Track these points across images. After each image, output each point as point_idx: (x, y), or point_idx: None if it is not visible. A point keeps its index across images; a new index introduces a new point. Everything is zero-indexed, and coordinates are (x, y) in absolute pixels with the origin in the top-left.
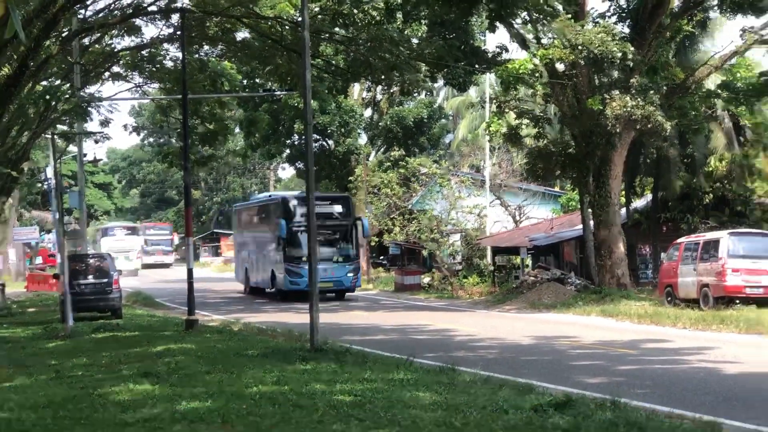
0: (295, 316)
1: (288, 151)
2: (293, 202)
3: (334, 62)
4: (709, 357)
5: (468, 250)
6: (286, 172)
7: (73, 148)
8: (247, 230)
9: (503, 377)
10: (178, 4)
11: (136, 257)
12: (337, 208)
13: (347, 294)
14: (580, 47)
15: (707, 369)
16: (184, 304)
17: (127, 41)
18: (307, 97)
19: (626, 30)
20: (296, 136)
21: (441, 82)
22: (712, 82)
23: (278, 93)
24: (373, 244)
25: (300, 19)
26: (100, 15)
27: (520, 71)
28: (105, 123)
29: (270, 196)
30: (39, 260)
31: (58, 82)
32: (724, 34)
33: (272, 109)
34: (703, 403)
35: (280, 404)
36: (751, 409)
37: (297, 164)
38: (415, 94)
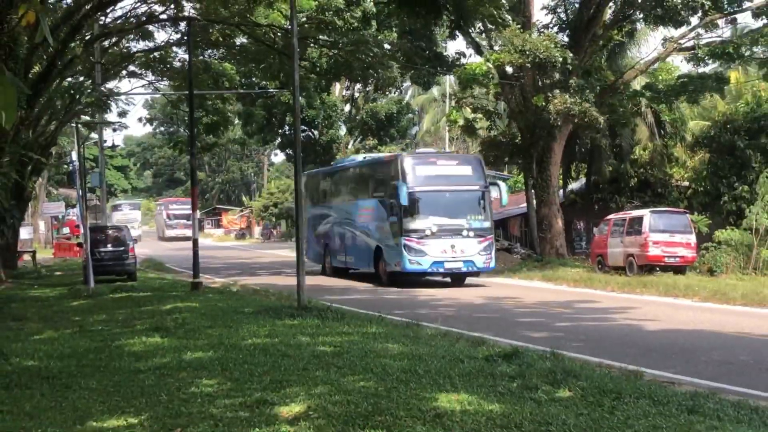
0: (285, 279)
1: (279, 139)
2: (414, 161)
3: (318, 64)
4: (633, 316)
5: None
6: (278, 157)
7: (94, 136)
8: (331, 199)
9: (460, 331)
10: (186, 14)
11: (138, 227)
12: (466, 170)
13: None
14: (527, 52)
15: (631, 326)
16: (191, 269)
17: (142, 44)
18: (296, 94)
19: (566, 39)
20: (287, 127)
21: (408, 82)
22: (638, 83)
23: (271, 91)
24: None
25: (289, 27)
26: (118, 21)
27: (476, 72)
28: (122, 114)
29: (365, 157)
30: (66, 230)
31: (81, 78)
32: (649, 43)
33: (266, 104)
34: (628, 354)
35: (271, 354)
36: (667, 359)
37: (287, 151)
38: (387, 93)
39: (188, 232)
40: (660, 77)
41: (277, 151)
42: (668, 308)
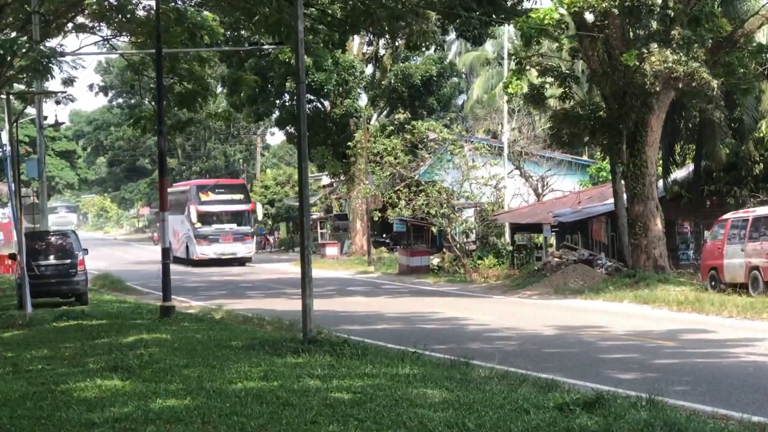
0: (286, 303)
1: (277, 113)
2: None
3: (330, 11)
4: (758, 349)
5: (483, 228)
6: (275, 137)
7: (31, 110)
8: None
9: (523, 372)
10: None
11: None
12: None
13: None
14: None
15: (757, 363)
16: (159, 289)
17: None
18: (300, 51)
19: None
20: (287, 96)
21: (453, 34)
22: (764, 35)
23: (266, 47)
24: (375, 219)
25: None
26: None
27: (544, 22)
28: (68, 82)
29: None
30: None
31: (13, 34)
32: None
33: (259, 66)
34: (752, 401)
35: (269, 402)
36: None
37: (288, 128)
38: (423, 49)
39: (240, 249)
40: None
41: (274, 130)
42: None
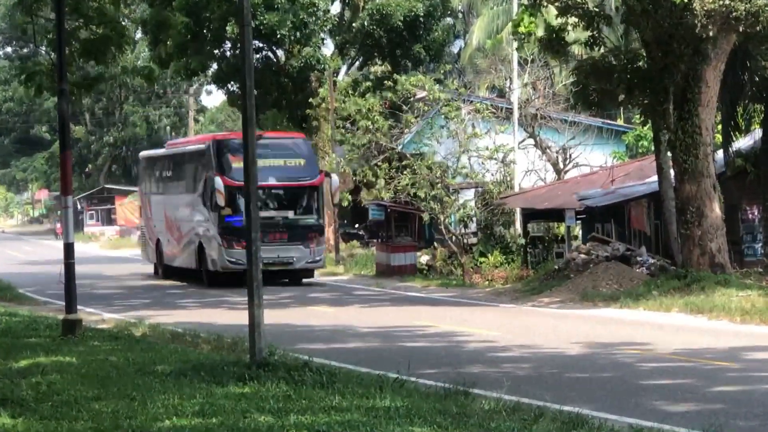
0: (228, 314)
1: (215, 66)
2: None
3: None
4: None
5: (487, 215)
6: (213, 97)
7: None
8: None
9: (540, 404)
10: None
11: None
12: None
13: (305, 280)
14: None
15: None
16: (60, 297)
17: None
18: None
19: None
20: (228, 45)
21: None
22: None
23: None
24: (345, 204)
25: None
26: None
27: None
28: None
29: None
30: None
31: None
32: None
33: (191, 5)
34: None
35: None
36: None
37: (229, 86)
38: None
39: (299, 255)
40: None
41: (212, 88)
42: None
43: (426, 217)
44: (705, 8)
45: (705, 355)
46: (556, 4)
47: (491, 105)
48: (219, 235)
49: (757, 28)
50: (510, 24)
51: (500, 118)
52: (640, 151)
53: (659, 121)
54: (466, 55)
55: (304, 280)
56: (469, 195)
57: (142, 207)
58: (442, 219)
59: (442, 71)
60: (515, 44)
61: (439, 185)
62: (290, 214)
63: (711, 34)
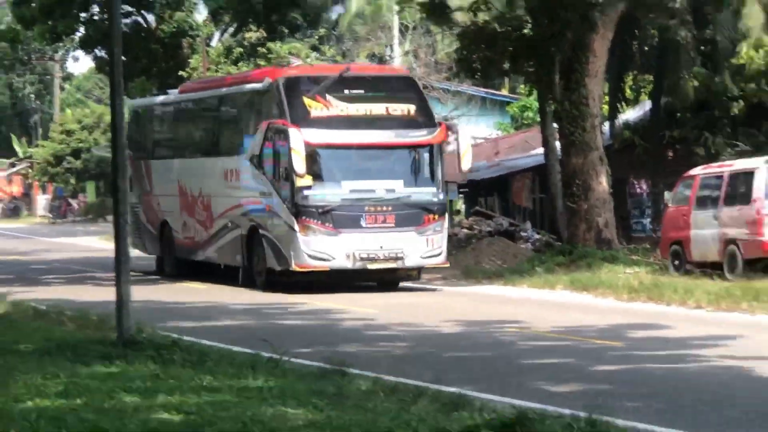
0: (94, 291)
1: (83, 31)
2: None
3: None
4: (736, 351)
5: None
6: (81, 64)
7: None
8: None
9: (419, 384)
10: None
11: None
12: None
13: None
14: None
15: (732, 369)
16: None
17: None
18: None
19: None
20: (96, 8)
21: None
22: None
23: None
24: None
25: None
26: None
27: None
28: None
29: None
30: None
31: None
32: None
33: None
34: (727, 420)
35: (70, 427)
36: None
37: (97, 51)
38: None
39: (410, 247)
40: None
41: (79, 54)
42: None
43: None
44: None
45: (589, 333)
46: None
47: None
48: (293, 217)
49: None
50: None
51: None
52: (526, 122)
53: (545, 92)
54: (345, 21)
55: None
56: None
57: (135, 176)
58: None
59: (318, 37)
60: (396, 9)
61: None
62: (398, 186)
63: (601, 1)
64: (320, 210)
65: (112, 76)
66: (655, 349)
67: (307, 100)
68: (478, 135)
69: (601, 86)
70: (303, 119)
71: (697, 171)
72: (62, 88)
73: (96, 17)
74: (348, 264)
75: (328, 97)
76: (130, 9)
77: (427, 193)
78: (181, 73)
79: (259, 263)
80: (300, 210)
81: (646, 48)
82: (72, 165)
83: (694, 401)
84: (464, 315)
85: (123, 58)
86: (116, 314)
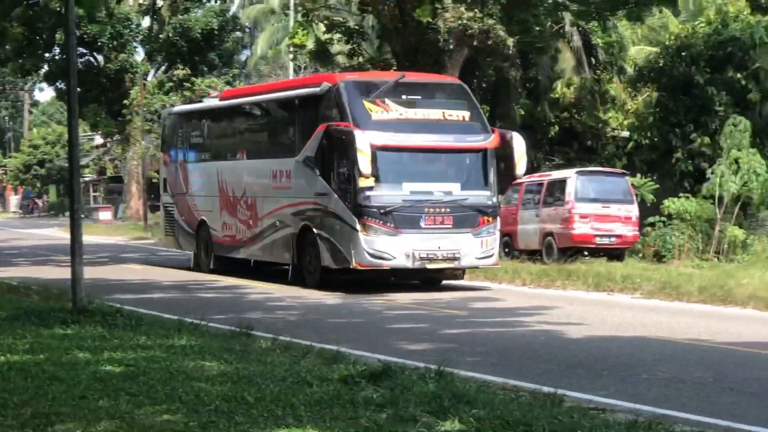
0: (54, 270)
1: (47, 67)
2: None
3: None
4: (551, 318)
5: None
6: (45, 93)
7: None
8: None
9: (307, 343)
10: None
11: None
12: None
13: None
14: None
15: (549, 332)
16: None
17: None
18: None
19: None
20: (57, 50)
21: None
22: None
23: None
24: (154, 182)
25: None
26: None
27: None
28: None
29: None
30: None
31: None
32: None
33: (27, 16)
34: (545, 372)
35: (34, 377)
36: (597, 377)
37: (58, 84)
38: (204, 1)
39: (466, 247)
40: None
41: (44, 85)
42: (600, 308)
43: None
44: (446, 26)
45: (440, 305)
46: (324, 22)
47: None
48: (354, 216)
49: (487, 43)
50: (287, 38)
51: None
52: None
53: None
54: (252, 62)
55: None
56: None
57: (169, 178)
58: None
59: (232, 74)
60: (291, 55)
61: None
62: (455, 188)
63: (450, 47)
64: (382, 210)
65: (69, 103)
66: (491, 317)
67: (367, 104)
68: None
69: None
70: (365, 122)
71: (523, 179)
72: (31, 112)
73: (57, 57)
74: (408, 263)
75: (386, 101)
76: (84, 51)
77: (482, 196)
78: (124, 101)
79: (312, 261)
80: (362, 210)
81: (484, 84)
82: (38, 172)
83: (520, 357)
84: (341, 289)
85: (78, 89)
86: (71, 288)
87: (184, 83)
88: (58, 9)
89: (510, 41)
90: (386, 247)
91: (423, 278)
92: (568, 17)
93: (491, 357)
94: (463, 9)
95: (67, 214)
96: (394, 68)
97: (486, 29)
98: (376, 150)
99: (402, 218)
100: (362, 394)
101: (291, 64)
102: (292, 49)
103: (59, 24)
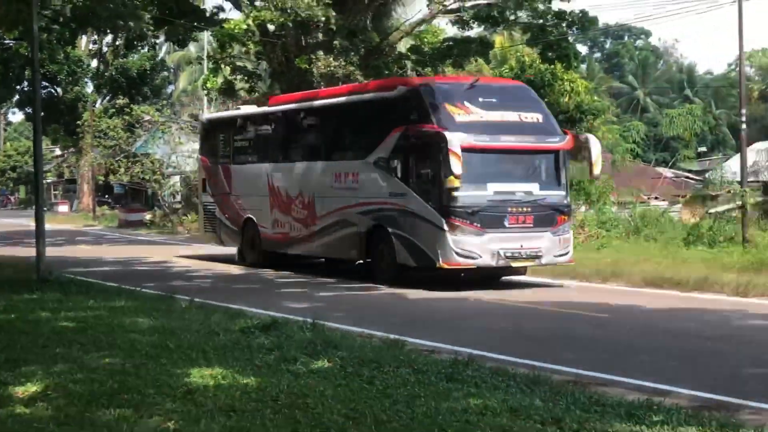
0: (24, 250)
1: (18, 96)
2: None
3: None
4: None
5: (187, 191)
6: (17, 116)
7: None
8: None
9: (216, 304)
10: None
11: None
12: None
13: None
14: (288, 11)
15: (395, 294)
16: None
17: None
18: (35, 47)
19: None
20: (26, 83)
21: (163, 38)
22: (403, 46)
23: (8, 42)
24: (100, 183)
25: None
26: None
27: (235, 31)
28: None
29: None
30: None
31: None
32: (415, 4)
33: (2, 58)
34: (392, 324)
35: (7, 331)
36: (428, 328)
37: (26, 109)
38: (139, 48)
39: (546, 246)
40: (426, 40)
41: (15, 110)
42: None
43: (150, 191)
44: (318, 72)
45: (317, 275)
46: (230, 66)
47: (191, 125)
48: (441, 216)
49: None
50: (202, 78)
51: (196, 132)
52: None
53: None
54: (176, 94)
55: (505, 278)
56: (177, 179)
57: (210, 179)
58: (159, 193)
59: (160, 104)
60: (205, 91)
61: (158, 173)
62: (534, 188)
63: (322, 87)
64: (469, 210)
65: (35, 124)
66: (354, 282)
67: (449, 107)
68: None
69: None
70: (450, 124)
71: None
72: (6, 129)
73: (25, 89)
74: (492, 262)
75: (465, 103)
76: (46, 84)
77: (558, 196)
78: (78, 123)
79: (384, 260)
80: (450, 210)
81: None
82: (11, 176)
83: (374, 313)
84: (244, 267)
85: (42, 113)
86: (36, 264)
87: (124, 109)
88: (27, 53)
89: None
90: (473, 247)
91: (488, 274)
92: (409, 64)
93: (353, 313)
94: (331, 59)
95: (33, 207)
96: None
97: (348, 74)
98: (473, 151)
99: (487, 218)
100: (257, 341)
101: (205, 97)
102: (204, 89)
103: (27, 63)
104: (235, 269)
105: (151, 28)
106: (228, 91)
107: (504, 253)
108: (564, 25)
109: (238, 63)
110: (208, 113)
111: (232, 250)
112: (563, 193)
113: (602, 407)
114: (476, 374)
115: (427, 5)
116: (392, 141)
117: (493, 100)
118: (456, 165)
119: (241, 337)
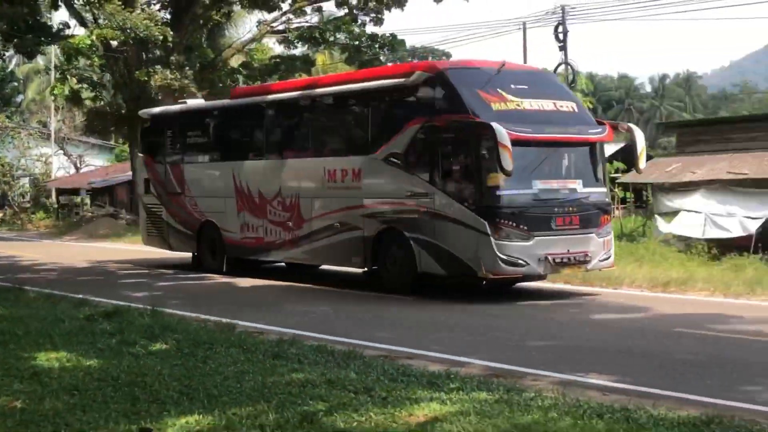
0: None
1: None
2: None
3: None
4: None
5: (36, 191)
6: None
7: None
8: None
9: (63, 294)
10: None
11: None
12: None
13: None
14: (128, 30)
15: (226, 283)
16: None
17: None
18: None
19: (168, 16)
20: None
21: (12, 51)
22: (235, 62)
23: None
24: None
25: None
26: None
27: (80, 45)
28: None
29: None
30: None
31: None
32: (246, 24)
33: None
34: (226, 309)
35: None
36: (258, 311)
37: None
38: None
39: (593, 247)
40: (255, 57)
41: None
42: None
43: (0, 192)
44: (157, 85)
45: (156, 265)
46: (76, 77)
47: (39, 131)
48: (483, 219)
49: (184, 95)
50: (50, 88)
51: (44, 138)
52: (124, 158)
53: (133, 142)
54: (25, 103)
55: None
56: (26, 181)
57: (154, 179)
58: (9, 194)
59: (10, 111)
60: (53, 99)
61: (8, 175)
62: (578, 185)
63: (160, 98)
64: (514, 211)
65: None
66: (189, 273)
67: (483, 94)
68: (97, 164)
69: None
70: (487, 114)
71: None
72: None
73: None
74: (540, 269)
75: (498, 90)
76: None
77: (601, 193)
78: None
79: (397, 266)
80: (493, 212)
81: None
82: None
83: (207, 300)
84: (89, 257)
85: None
86: None
87: None
88: None
89: (200, 94)
90: (520, 252)
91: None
92: (240, 78)
93: (189, 300)
94: (168, 72)
95: None
96: (124, 110)
97: (184, 86)
98: (521, 143)
99: (533, 219)
100: (100, 327)
101: (53, 105)
102: (53, 96)
103: None
104: (82, 263)
105: (1, 42)
106: (74, 99)
107: (554, 258)
108: (377, 46)
109: (84, 74)
110: (149, 111)
111: (168, 253)
112: (605, 189)
113: (407, 377)
114: (299, 352)
115: (257, 26)
116: (409, 134)
117: (525, 87)
118: (506, 160)
119: (86, 324)
